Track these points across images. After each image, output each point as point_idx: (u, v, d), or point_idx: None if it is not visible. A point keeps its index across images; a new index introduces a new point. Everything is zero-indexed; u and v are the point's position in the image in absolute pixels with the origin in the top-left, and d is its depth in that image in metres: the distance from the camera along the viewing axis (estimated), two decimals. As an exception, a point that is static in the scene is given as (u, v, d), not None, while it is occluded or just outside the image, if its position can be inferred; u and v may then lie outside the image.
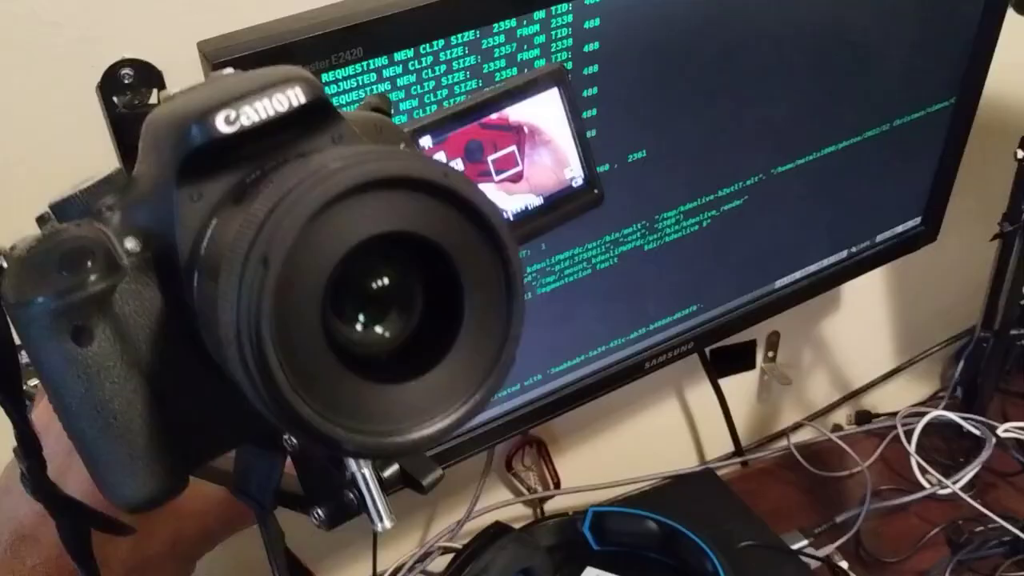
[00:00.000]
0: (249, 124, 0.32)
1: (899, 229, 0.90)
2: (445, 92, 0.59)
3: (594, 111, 0.65)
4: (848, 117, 0.80)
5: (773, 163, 0.77)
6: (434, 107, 0.59)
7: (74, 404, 0.34)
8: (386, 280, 0.32)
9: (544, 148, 0.45)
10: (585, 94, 0.64)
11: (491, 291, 0.31)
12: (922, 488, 0.94)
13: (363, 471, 0.37)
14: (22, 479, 0.38)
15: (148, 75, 0.58)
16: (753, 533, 0.90)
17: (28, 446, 0.37)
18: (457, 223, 0.30)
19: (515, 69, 0.60)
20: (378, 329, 0.32)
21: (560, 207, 0.45)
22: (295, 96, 0.32)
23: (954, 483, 0.92)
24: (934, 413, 0.98)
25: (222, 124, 0.32)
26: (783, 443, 1.06)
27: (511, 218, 0.44)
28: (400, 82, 0.57)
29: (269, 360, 0.27)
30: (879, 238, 0.89)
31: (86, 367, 0.33)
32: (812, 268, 0.86)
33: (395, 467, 0.39)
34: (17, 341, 0.35)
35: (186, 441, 0.35)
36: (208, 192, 0.33)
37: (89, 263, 0.32)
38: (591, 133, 0.65)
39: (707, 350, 1.02)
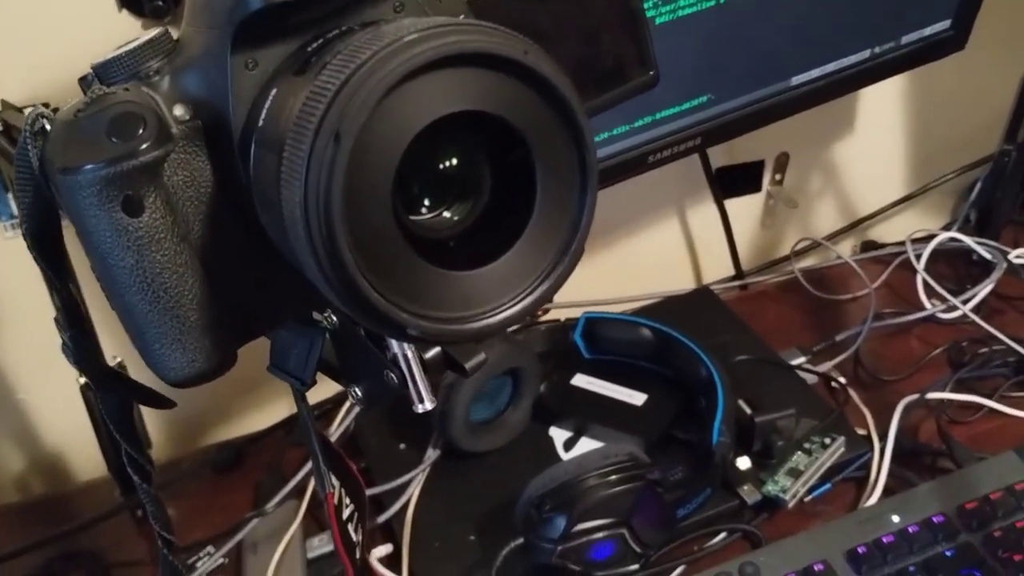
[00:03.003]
0: None
1: (927, 31, 0.84)
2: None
3: None
4: None
5: (800, -65, 0.70)
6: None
7: (123, 276, 0.32)
8: (454, 160, 0.31)
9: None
10: None
11: (565, 176, 0.30)
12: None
13: (406, 352, 0.36)
14: (64, 350, 0.37)
15: None
16: (750, 348, 0.88)
17: (72, 315, 0.36)
18: (534, 104, 0.29)
19: None
20: (445, 213, 0.31)
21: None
22: None
23: (963, 303, 0.88)
24: (945, 235, 0.95)
25: None
26: (785, 267, 1.02)
27: None
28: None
29: (338, 240, 0.26)
30: (904, 39, 0.83)
31: (137, 238, 0.32)
32: (831, 67, 0.80)
33: (437, 348, 0.38)
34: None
35: (233, 317, 0.35)
36: (264, 60, 0.32)
37: (140, 130, 0.31)
38: None
39: (714, 168, 0.97)
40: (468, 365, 0.39)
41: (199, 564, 0.73)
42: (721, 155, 0.98)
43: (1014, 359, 0.84)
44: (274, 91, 0.31)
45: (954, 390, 0.82)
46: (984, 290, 0.90)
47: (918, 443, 0.78)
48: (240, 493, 0.82)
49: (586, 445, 0.81)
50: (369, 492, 0.76)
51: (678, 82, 0.73)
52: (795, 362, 0.87)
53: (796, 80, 0.79)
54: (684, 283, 1.05)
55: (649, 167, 0.76)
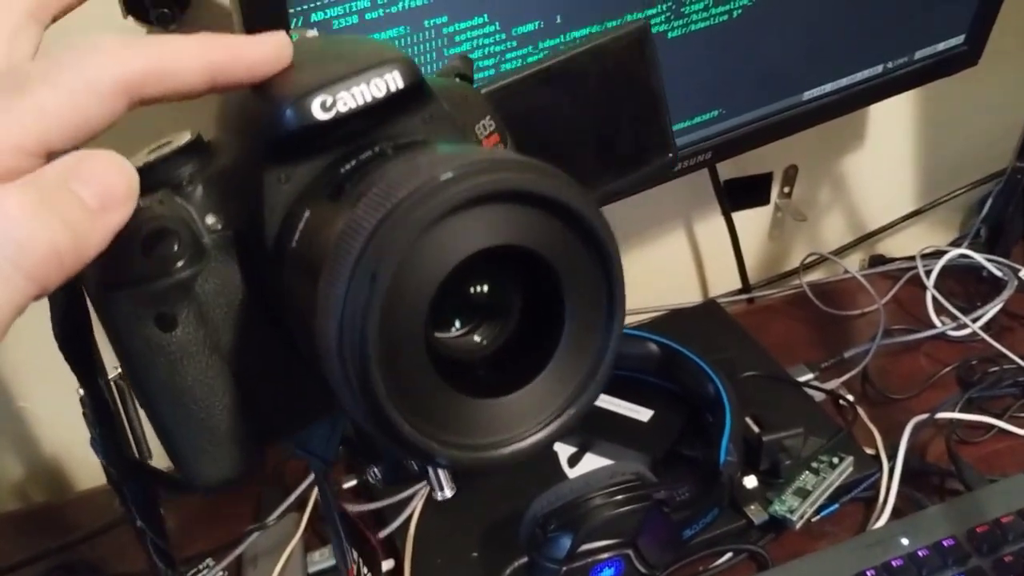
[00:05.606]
0: (346, 111, 0.31)
1: (940, 47, 0.83)
2: None
3: None
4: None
5: (815, -50, 0.70)
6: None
7: (155, 389, 0.32)
8: (485, 288, 0.31)
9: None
10: None
11: (593, 305, 0.30)
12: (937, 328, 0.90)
13: None
14: (92, 444, 0.37)
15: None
16: (757, 364, 0.87)
17: (100, 414, 0.37)
18: (565, 236, 0.29)
19: None
20: (475, 337, 0.32)
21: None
22: (393, 81, 0.31)
23: (973, 321, 0.88)
24: (956, 251, 0.94)
25: (318, 110, 0.30)
26: (793, 280, 1.01)
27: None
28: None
29: (371, 376, 0.26)
30: (918, 55, 0.82)
31: (169, 353, 0.32)
32: (844, 82, 0.80)
33: None
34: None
35: (262, 422, 0.35)
36: (296, 176, 0.32)
37: (175, 247, 0.31)
38: None
39: (722, 180, 0.96)
40: None
41: (198, 577, 0.72)
42: (729, 168, 0.97)
43: (1024, 378, 0.83)
44: (307, 213, 0.31)
45: (964, 410, 0.81)
46: (994, 308, 0.89)
47: (927, 463, 0.78)
48: (240, 505, 0.81)
49: (591, 461, 0.80)
50: (371, 507, 0.76)
51: (689, 97, 0.72)
52: (803, 379, 0.86)
53: (808, 95, 0.78)
54: (691, 296, 1.04)
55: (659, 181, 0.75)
